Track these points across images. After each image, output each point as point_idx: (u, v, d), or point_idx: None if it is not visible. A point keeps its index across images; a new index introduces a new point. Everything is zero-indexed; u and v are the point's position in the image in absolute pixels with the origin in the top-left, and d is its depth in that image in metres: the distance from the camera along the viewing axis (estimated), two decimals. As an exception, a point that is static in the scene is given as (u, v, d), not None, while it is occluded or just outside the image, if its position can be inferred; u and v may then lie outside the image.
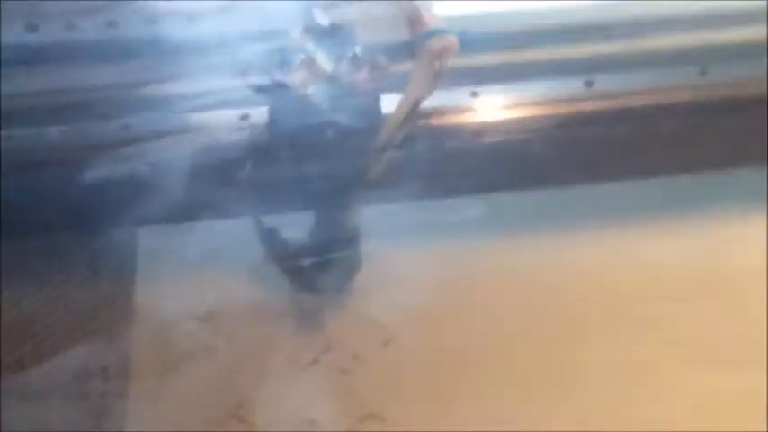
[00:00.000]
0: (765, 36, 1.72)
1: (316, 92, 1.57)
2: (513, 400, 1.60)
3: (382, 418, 1.58)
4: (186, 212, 1.62)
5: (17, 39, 1.56)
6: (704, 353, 1.65)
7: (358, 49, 1.60)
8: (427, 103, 1.64)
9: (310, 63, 1.58)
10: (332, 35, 1.59)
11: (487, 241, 1.74)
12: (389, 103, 1.61)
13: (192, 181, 1.56)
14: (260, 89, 1.59)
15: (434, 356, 1.63)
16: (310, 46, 1.58)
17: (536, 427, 1.57)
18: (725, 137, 1.79)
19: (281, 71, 1.58)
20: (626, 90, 1.76)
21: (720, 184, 1.80)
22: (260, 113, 1.61)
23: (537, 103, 1.74)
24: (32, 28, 1.56)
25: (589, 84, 1.74)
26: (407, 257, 1.69)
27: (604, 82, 1.75)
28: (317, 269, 1.62)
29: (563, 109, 1.74)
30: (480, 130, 1.72)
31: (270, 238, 1.63)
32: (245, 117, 1.63)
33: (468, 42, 1.63)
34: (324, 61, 1.58)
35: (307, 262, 1.61)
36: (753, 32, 1.73)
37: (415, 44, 1.62)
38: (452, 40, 1.62)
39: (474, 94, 1.72)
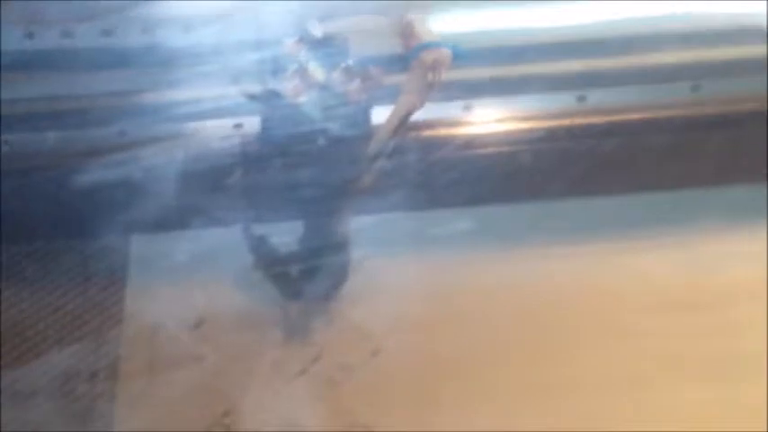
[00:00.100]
0: (761, 53, 1.74)
1: (308, 101, 1.59)
2: (502, 412, 1.60)
3: (371, 429, 1.58)
4: (178, 219, 1.63)
5: (14, 45, 1.58)
6: (694, 368, 1.65)
7: (351, 61, 1.62)
8: (419, 115, 1.65)
9: (303, 72, 1.60)
10: (325, 46, 1.61)
11: (478, 253, 1.74)
12: (381, 114, 1.63)
13: (185, 188, 1.57)
14: (253, 97, 1.60)
15: (423, 367, 1.63)
16: (303, 56, 1.60)
17: (528, 433, 1.57)
18: (717, 153, 1.79)
19: (274, 80, 1.60)
20: (618, 105, 1.77)
21: (712, 199, 1.80)
22: (253, 122, 1.62)
23: (529, 117, 1.74)
24: (29, 35, 1.58)
25: (582, 99, 1.75)
26: (397, 267, 1.70)
27: (597, 97, 1.76)
28: (305, 277, 1.63)
29: (556, 123, 1.74)
30: (472, 143, 1.73)
31: (258, 245, 1.64)
32: (238, 125, 1.64)
33: (462, 56, 1.65)
34: (316, 71, 1.60)
35: (295, 270, 1.62)
36: (745, 49, 1.75)
37: (407, 57, 1.64)
38: (445, 52, 1.64)
39: (467, 107, 1.73)
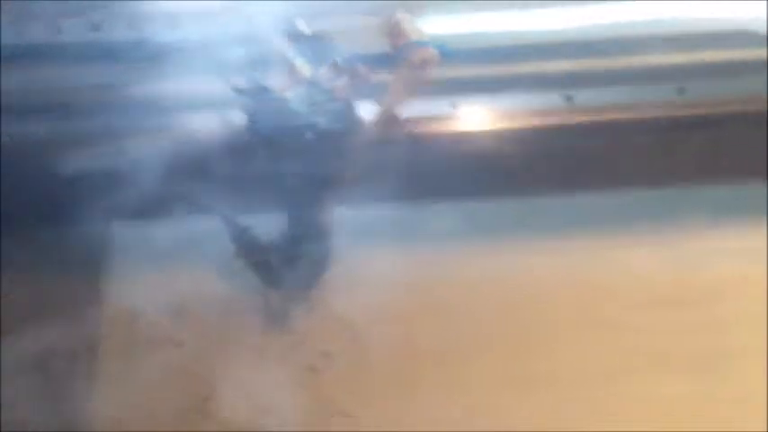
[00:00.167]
0: (745, 55, 1.76)
1: (295, 96, 1.63)
2: (482, 400, 1.63)
3: (350, 416, 1.60)
4: (162, 208, 1.66)
5: (4, 39, 1.62)
6: (677, 362, 1.68)
7: (339, 58, 1.65)
8: (407, 112, 1.68)
9: (291, 68, 1.64)
10: (313, 43, 1.65)
11: (462, 246, 1.76)
12: (368, 110, 1.66)
13: (169, 177, 1.60)
14: (241, 91, 1.64)
15: (404, 357, 1.67)
16: (291, 52, 1.63)
17: (504, 427, 1.60)
18: (699, 152, 1.81)
19: (262, 75, 1.63)
20: (605, 105, 1.79)
21: (695, 197, 1.81)
22: (240, 114, 1.65)
23: (517, 116, 1.77)
24: (19, 29, 1.62)
25: (569, 98, 1.77)
26: (381, 259, 1.72)
27: (584, 97, 1.78)
28: (286, 266, 1.65)
29: (543, 121, 1.77)
30: (459, 139, 1.75)
31: (241, 234, 1.67)
32: (225, 117, 1.68)
33: (449, 55, 1.68)
34: (303, 67, 1.63)
35: (277, 259, 1.65)
36: (729, 53, 1.77)
37: (395, 55, 1.68)
38: (433, 51, 1.67)
39: (454, 105, 1.75)
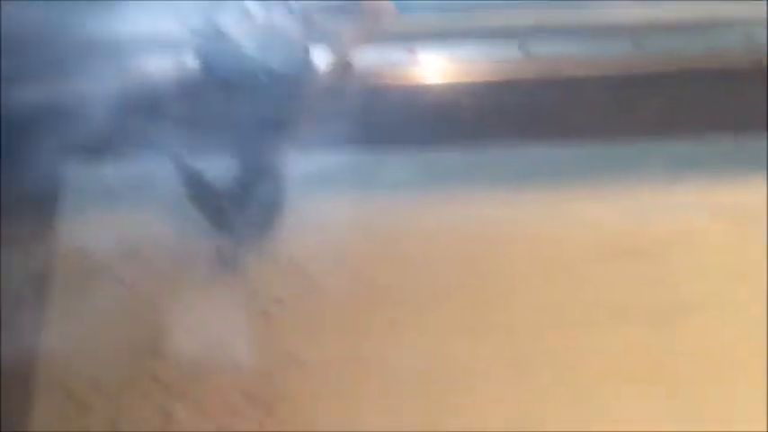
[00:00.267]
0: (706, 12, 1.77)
1: (249, 39, 1.62)
2: (437, 348, 1.62)
3: (302, 361, 1.58)
4: (114, 149, 1.65)
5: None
6: (633, 313, 1.66)
7: (293, 3, 1.65)
8: (362, 59, 1.68)
9: (245, 12, 1.64)
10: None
11: (419, 196, 1.75)
12: (321, 56, 1.66)
13: (122, 118, 1.59)
14: (195, 33, 1.63)
15: (358, 303, 1.65)
16: (245, -5, 1.63)
17: (461, 374, 1.59)
18: (656, 108, 1.81)
19: (218, 18, 1.63)
20: (562, 57, 1.78)
21: (653, 152, 1.80)
22: (194, 57, 1.64)
23: (473, 64, 1.76)
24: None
25: (523, 48, 1.77)
26: (334, 206, 1.71)
27: (540, 48, 1.77)
28: (238, 210, 1.64)
29: (499, 70, 1.76)
30: (413, 88, 1.75)
31: (192, 178, 1.65)
32: (179, 59, 1.67)
33: (404, 4, 1.68)
34: (257, 11, 1.63)
35: (229, 203, 1.64)
36: (688, 9, 1.78)
37: (350, 5, 1.68)
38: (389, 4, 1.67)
39: (410, 51, 1.75)
